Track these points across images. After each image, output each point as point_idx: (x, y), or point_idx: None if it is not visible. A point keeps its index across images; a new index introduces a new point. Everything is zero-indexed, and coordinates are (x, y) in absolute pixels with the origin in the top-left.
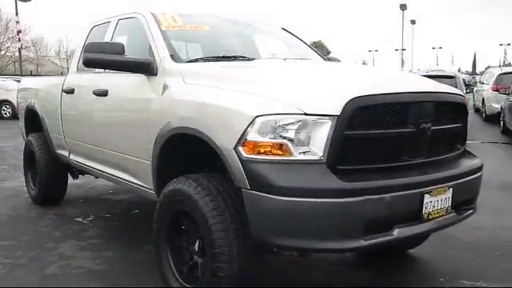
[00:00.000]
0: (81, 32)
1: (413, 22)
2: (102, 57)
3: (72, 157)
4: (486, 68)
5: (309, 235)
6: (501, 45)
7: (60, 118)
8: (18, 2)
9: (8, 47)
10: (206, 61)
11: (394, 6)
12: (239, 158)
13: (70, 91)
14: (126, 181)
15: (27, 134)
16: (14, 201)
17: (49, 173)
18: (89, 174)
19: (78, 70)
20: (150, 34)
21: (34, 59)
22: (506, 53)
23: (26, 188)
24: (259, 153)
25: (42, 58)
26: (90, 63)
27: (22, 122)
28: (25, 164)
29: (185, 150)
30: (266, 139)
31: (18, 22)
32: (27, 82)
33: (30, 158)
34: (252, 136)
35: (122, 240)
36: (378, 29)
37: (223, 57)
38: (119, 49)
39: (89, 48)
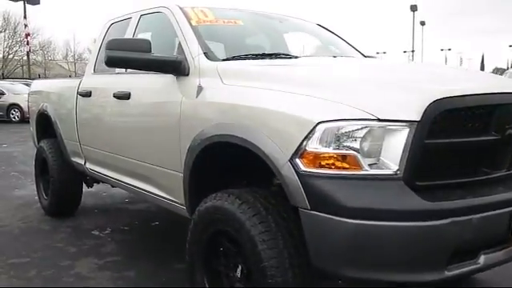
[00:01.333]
0: (98, 31)
1: (422, 23)
2: (127, 55)
3: (88, 165)
4: (494, 69)
5: (384, 266)
6: (510, 46)
7: (75, 123)
8: (27, 4)
9: (16, 51)
10: (243, 59)
11: (401, 7)
12: (296, 171)
13: (87, 94)
14: (152, 194)
15: (39, 140)
16: (26, 211)
17: (62, 182)
18: (106, 183)
19: (95, 71)
20: (180, 29)
21: (41, 63)
22: None
23: (37, 197)
24: (320, 166)
25: (49, 62)
26: (113, 62)
27: (33, 127)
28: (36, 172)
29: (223, 161)
30: (330, 150)
31: (26, 26)
32: (39, 84)
33: (41, 165)
34: (312, 146)
35: (144, 257)
36: (385, 30)
37: (263, 54)
38: (146, 46)
39: (111, 45)
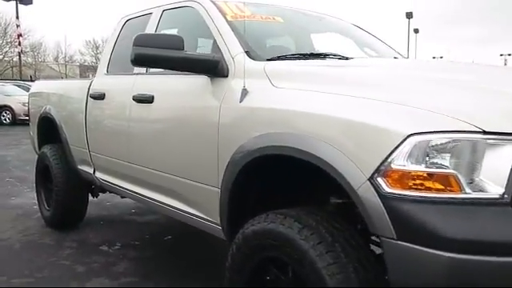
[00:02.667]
0: (112, 28)
1: (416, 30)
2: (158, 52)
3: (98, 175)
4: None
5: None
6: (501, 55)
7: (84, 128)
8: (19, 4)
9: (6, 52)
10: (290, 59)
11: (394, 14)
12: (378, 193)
13: (99, 96)
14: (179, 210)
15: (40, 146)
16: (25, 222)
17: (67, 192)
18: (118, 194)
19: (108, 72)
20: (214, 25)
21: (32, 64)
22: (506, 63)
23: (37, 207)
24: (409, 187)
25: (39, 64)
26: (141, 60)
27: (33, 131)
28: (37, 180)
29: (270, 177)
30: (421, 167)
31: (18, 26)
32: (41, 85)
33: (43, 173)
34: (399, 162)
35: (162, 278)
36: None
37: (312, 54)
38: (178, 43)
39: (139, 41)
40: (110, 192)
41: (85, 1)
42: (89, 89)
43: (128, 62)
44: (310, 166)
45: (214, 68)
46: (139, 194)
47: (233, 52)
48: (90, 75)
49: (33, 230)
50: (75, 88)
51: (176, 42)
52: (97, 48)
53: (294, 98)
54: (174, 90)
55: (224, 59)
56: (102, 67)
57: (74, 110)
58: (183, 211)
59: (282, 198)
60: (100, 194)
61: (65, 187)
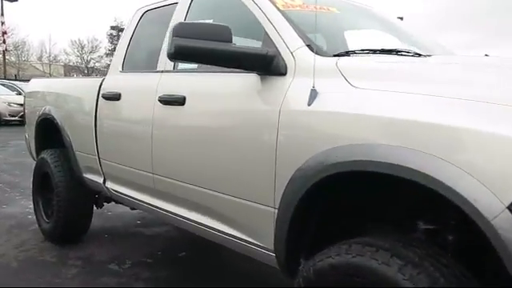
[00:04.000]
0: (127, 20)
1: None
2: (206, 45)
3: (110, 185)
4: None
5: None
6: None
7: (93, 132)
8: (4, 1)
9: None
10: (359, 54)
11: None
12: None
13: (114, 97)
14: (217, 231)
15: (39, 151)
16: (21, 235)
17: (70, 203)
18: (137, 209)
19: (123, 69)
20: (264, 16)
21: (15, 63)
22: None
23: (32, 217)
24: None
25: (23, 63)
26: (183, 53)
27: (29, 135)
28: (35, 189)
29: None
30: None
31: (3, 23)
32: (39, 83)
33: (42, 181)
34: None
35: None
36: None
37: (382, 50)
38: (226, 34)
39: (181, 31)
40: (123, 204)
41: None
42: (100, 88)
43: (149, 59)
44: (401, 185)
45: (267, 65)
46: (164, 210)
47: (292, 46)
48: (75, 75)
49: (30, 244)
50: (82, 87)
51: (224, 33)
52: (82, 48)
53: (388, 101)
54: (212, 90)
55: (280, 54)
56: (116, 64)
57: (81, 112)
58: (224, 233)
59: (347, 221)
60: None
61: (68, 197)
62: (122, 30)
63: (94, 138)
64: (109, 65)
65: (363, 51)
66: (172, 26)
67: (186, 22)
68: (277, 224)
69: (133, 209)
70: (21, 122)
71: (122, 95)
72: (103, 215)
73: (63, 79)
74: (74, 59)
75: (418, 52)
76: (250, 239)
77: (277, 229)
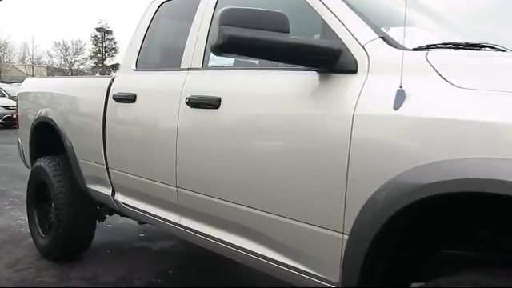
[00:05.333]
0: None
1: None
2: (263, 36)
3: (120, 198)
4: None
5: None
6: None
7: (101, 139)
8: None
9: None
10: (441, 49)
11: None
12: None
13: (128, 99)
14: (264, 257)
15: (34, 157)
16: (13, 252)
17: (72, 216)
18: (154, 225)
19: (137, 66)
20: (320, 3)
21: None
22: None
23: (24, 230)
24: None
25: (5, 64)
26: (234, 45)
27: (23, 140)
28: (30, 200)
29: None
30: None
31: None
32: (34, 83)
33: (38, 191)
34: None
35: None
36: None
37: (467, 45)
38: (283, 22)
39: (230, 18)
40: (132, 219)
41: (55, 0)
42: (109, 88)
43: (169, 55)
44: None
45: (333, 60)
46: (190, 230)
47: (362, 39)
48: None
49: (25, 262)
50: (88, 87)
51: (281, 22)
52: (66, 50)
53: (503, 105)
54: (255, 90)
55: (347, 48)
56: (129, 62)
57: (86, 115)
58: (271, 260)
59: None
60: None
61: (68, 211)
62: (107, 31)
63: (102, 144)
64: (94, 67)
65: (445, 45)
66: (209, 15)
67: (235, 7)
68: (346, 252)
69: (142, 223)
70: (5, 126)
71: (138, 97)
72: (102, 228)
73: (63, 79)
74: (57, 61)
75: (501, 47)
76: (304, 268)
77: (346, 257)
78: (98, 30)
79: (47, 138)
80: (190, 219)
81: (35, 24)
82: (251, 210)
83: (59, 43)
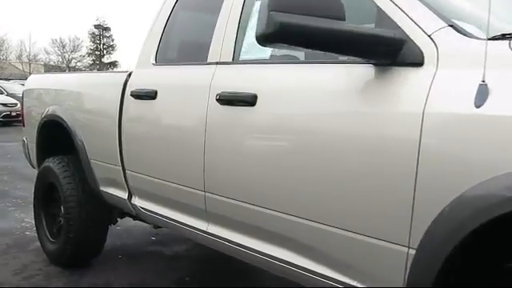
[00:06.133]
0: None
1: None
2: (322, 24)
3: (137, 202)
4: None
5: None
6: None
7: (116, 138)
8: None
9: None
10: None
11: None
12: None
13: (148, 95)
14: (309, 271)
15: (41, 157)
16: (20, 257)
17: (83, 220)
18: (175, 232)
19: (157, 60)
20: None
21: None
22: None
23: (29, 232)
24: None
25: (2, 62)
26: (289, 34)
27: (28, 139)
28: (37, 202)
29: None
30: None
31: None
32: (41, 80)
33: (47, 193)
34: None
35: None
36: None
37: None
38: (340, 10)
39: (280, 3)
40: (149, 223)
41: None
42: (125, 84)
43: (194, 48)
44: None
45: (395, 51)
46: (220, 238)
47: (428, 27)
48: None
49: (33, 269)
50: (101, 83)
51: (336, 8)
52: (63, 47)
53: None
54: (298, 86)
55: (411, 38)
56: (147, 55)
57: (100, 113)
58: (316, 273)
59: None
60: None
61: (80, 214)
62: (105, 28)
63: (118, 144)
64: (91, 64)
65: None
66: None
67: None
68: (413, 267)
69: (157, 227)
70: (4, 123)
71: (159, 93)
72: (111, 230)
73: (72, 74)
74: (54, 58)
75: None
76: (358, 284)
77: (413, 274)
78: (96, 27)
79: (55, 137)
80: (219, 227)
81: (32, 21)
82: (295, 219)
83: (56, 40)
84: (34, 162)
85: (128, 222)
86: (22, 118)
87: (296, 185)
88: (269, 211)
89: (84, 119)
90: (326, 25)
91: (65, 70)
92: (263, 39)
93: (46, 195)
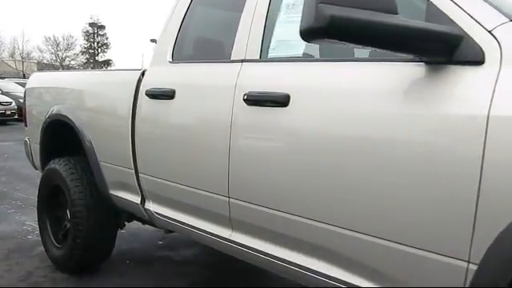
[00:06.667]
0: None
1: None
2: (372, 17)
3: (152, 206)
4: None
5: None
6: None
7: (129, 140)
8: None
9: None
10: None
11: None
12: None
13: (165, 95)
14: (349, 285)
15: (45, 159)
16: (23, 263)
17: (92, 225)
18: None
19: (174, 58)
20: None
21: None
22: None
23: (33, 236)
24: None
25: None
26: (340, 29)
27: (32, 139)
28: (41, 206)
29: None
30: None
31: None
32: (43, 78)
33: (51, 196)
34: None
35: None
36: None
37: None
38: (390, 2)
39: None
40: (163, 229)
41: None
42: (138, 83)
43: (215, 45)
44: None
45: (451, 48)
46: (246, 248)
47: (487, 22)
48: None
49: (38, 275)
50: (112, 81)
51: (387, 1)
52: (57, 45)
53: None
54: (337, 86)
55: (468, 34)
56: (163, 52)
57: (111, 113)
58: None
59: None
60: None
61: (88, 218)
62: (100, 26)
63: (131, 146)
64: (85, 63)
65: None
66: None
67: None
68: (474, 283)
69: (169, 232)
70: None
71: (178, 92)
72: (118, 235)
73: (79, 72)
74: (48, 56)
75: None
76: None
77: None
78: (90, 25)
79: (61, 137)
80: (245, 234)
81: (25, 18)
82: (334, 229)
83: (50, 38)
84: (38, 163)
85: (132, 224)
86: (25, 117)
87: (334, 193)
88: (303, 220)
89: (93, 119)
90: (379, 18)
91: (58, 69)
92: (310, 34)
93: (51, 199)
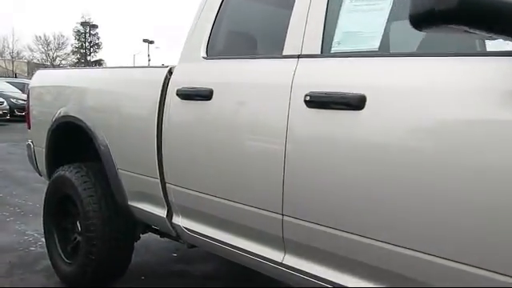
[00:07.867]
0: None
1: None
2: None
3: (181, 222)
4: None
5: None
6: None
7: (155, 145)
8: None
9: None
10: None
11: None
12: None
13: (200, 95)
14: None
15: (52, 165)
16: (28, 279)
17: (108, 239)
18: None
19: (209, 54)
20: None
21: None
22: None
23: (36, 248)
24: None
25: None
26: (466, 11)
27: (37, 143)
28: (48, 218)
29: None
30: None
31: None
32: (49, 76)
33: (60, 206)
34: None
35: None
36: None
37: None
38: None
39: None
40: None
41: None
42: (166, 82)
43: (260, 38)
44: None
45: None
46: (301, 272)
47: None
48: None
49: None
50: (133, 80)
51: None
52: (48, 44)
53: None
54: (425, 84)
55: None
56: (194, 48)
57: (132, 116)
58: None
59: None
60: None
61: (103, 232)
62: (92, 26)
63: (156, 152)
64: (76, 62)
65: None
66: None
67: None
68: None
69: (192, 246)
70: None
71: (216, 92)
72: None
73: (92, 70)
74: (38, 56)
75: None
76: None
77: None
78: (82, 24)
79: (71, 142)
80: (302, 258)
81: (15, 17)
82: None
83: (40, 37)
84: (43, 169)
85: (143, 236)
86: (28, 118)
87: (422, 215)
88: (377, 243)
89: (111, 122)
90: None
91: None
92: (428, 19)
93: (56, 208)
